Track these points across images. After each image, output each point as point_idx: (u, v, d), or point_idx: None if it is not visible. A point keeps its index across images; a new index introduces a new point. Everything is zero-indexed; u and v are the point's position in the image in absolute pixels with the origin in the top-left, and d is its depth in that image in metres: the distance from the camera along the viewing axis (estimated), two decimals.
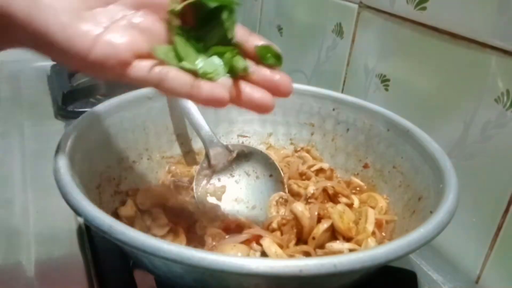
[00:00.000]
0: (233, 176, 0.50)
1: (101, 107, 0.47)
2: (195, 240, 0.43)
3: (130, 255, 0.41)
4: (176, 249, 0.28)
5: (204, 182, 0.49)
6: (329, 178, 0.52)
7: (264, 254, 0.39)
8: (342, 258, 0.29)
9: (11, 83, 0.87)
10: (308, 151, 0.56)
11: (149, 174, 0.52)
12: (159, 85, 0.32)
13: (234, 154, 0.50)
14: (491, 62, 0.44)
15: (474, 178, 0.47)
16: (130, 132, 0.49)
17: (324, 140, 0.56)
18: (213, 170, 0.50)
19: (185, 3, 0.32)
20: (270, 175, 0.49)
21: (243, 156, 0.50)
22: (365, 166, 0.52)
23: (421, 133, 0.46)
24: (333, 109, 0.55)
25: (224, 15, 0.33)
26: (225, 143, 0.51)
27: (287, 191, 0.48)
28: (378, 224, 0.44)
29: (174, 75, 0.31)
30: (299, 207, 0.42)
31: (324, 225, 0.41)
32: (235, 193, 0.49)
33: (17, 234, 0.49)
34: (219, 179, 0.50)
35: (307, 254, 0.40)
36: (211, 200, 0.49)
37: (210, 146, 0.49)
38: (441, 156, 0.42)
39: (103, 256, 0.44)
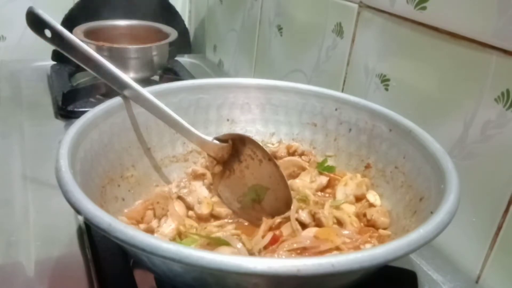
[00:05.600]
0: (241, 162, 0.50)
1: (103, 106, 0.47)
2: None
3: (130, 254, 0.41)
4: (174, 247, 0.28)
5: (219, 178, 0.50)
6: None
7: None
8: (340, 258, 0.29)
9: (11, 83, 0.87)
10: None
11: (152, 173, 0.52)
12: None
13: (230, 142, 0.50)
14: (491, 62, 0.44)
15: (474, 178, 0.47)
16: (132, 131, 0.49)
17: (327, 140, 0.56)
18: (221, 164, 0.50)
19: None
20: (269, 159, 0.48)
21: (238, 140, 0.50)
22: (367, 166, 0.52)
23: (423, 133, 0.46)
24: (336, 109, 0.54)
25: None
26: (214, 135, 0.50)
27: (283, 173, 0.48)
28: None
29: None
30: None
31: None
32: (250, 180, 0.49)
33: (17, 234, 0.49)
34: (231, 170, 0.50)
35: None
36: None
37: (207, 146, 0.49)
38: (443, 156, 0.42)
39: (103, 256, 0.44)
